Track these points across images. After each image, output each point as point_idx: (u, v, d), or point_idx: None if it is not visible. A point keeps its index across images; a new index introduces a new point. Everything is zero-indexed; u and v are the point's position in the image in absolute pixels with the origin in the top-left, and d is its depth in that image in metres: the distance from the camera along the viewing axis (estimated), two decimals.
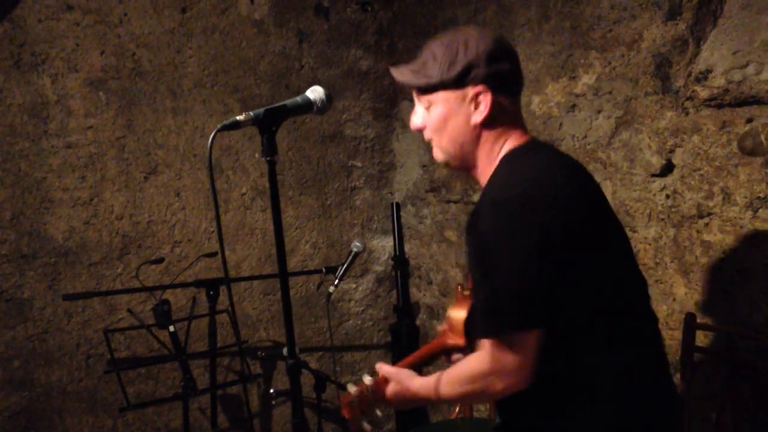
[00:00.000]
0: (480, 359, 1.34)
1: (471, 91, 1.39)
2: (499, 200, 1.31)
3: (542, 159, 1.41)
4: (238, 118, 1.34)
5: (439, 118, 1.43)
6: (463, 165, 1.48)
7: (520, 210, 1.28)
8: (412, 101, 1.52)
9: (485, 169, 1.44)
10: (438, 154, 1.48)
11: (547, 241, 1.27)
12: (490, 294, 1.28)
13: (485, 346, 1.31)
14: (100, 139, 2.58)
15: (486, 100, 1.40)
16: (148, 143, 2.66)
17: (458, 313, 1.62)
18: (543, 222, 1.28)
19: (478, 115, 1.40)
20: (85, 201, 2.57)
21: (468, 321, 1.60)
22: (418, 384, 1.46)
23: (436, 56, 1.40)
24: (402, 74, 1.45)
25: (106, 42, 2.56)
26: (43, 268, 2.52)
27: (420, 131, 1.48)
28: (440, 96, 1.41)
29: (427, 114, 1.45)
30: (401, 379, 1.49)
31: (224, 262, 1.40)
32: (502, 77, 1.41)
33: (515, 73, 1.44)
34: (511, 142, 1.44)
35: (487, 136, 1.43)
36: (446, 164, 1.50)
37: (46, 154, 2.50)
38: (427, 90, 1.43)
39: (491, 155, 1.44)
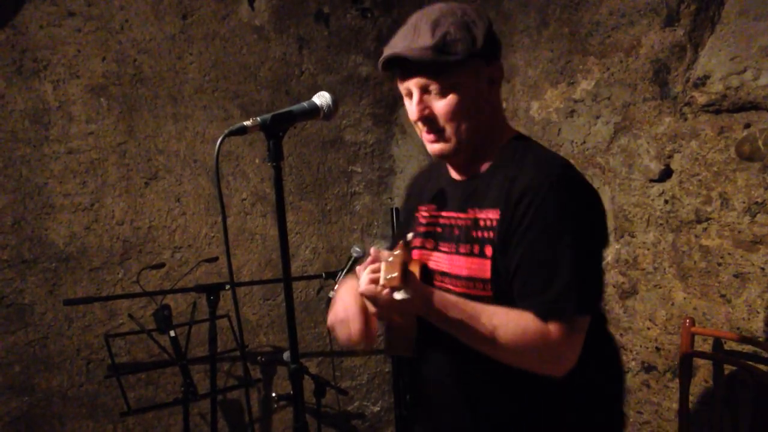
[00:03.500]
0: (542, 329, 1.19)
1: (490, 68, 1.28)
2: (569, 177, 1.24)
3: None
4: (245, 123, 1.28)
5: (462, 101, 1.26)
6: (474, 154, 1.33)
7: (590, 189, 1.28)
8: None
9: (484, 154, 1.34)
10: (447, 146, 1.30)
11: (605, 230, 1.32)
12: (574, 269, 1.17)
13: (556, 323, 1.18)
14: (101, 144, 2.59)
15: (499, 77, 1.29)
16: (149, 149, 2.67)
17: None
18: (600, 204, 1.31)
19: (495, 94, 1.30)
20: (86, 206, 2.58)
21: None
22: (456, 299, 1.25)
23: (449, 32, 1.22)
24: (420, 52, 1.22)
25: (108, 48, 2.57)
26: (44, 274, 2.52)
27: (426, 120, 1.29)
28: (463, 76, 1.25)
29: (439, 100, 1.27)
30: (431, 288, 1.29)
31: (230, 264, 1.38)
32: (499, 51, 1.31)
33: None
34: (509, 126, 1.39)
35: (494, 117, 1.33)
36: (452, 155, 1.32)
37: (48, 160, 2.50)
38: (447, 70, 1.24)
39: (494, 138, 1.33)
